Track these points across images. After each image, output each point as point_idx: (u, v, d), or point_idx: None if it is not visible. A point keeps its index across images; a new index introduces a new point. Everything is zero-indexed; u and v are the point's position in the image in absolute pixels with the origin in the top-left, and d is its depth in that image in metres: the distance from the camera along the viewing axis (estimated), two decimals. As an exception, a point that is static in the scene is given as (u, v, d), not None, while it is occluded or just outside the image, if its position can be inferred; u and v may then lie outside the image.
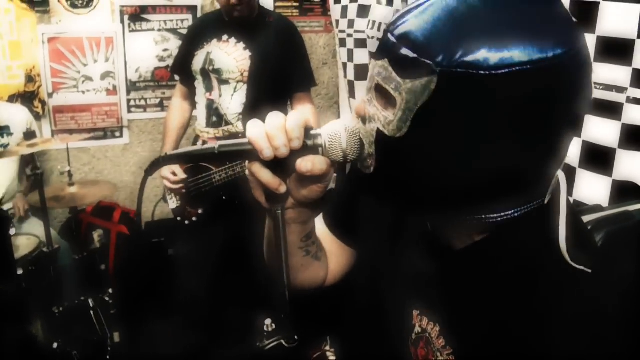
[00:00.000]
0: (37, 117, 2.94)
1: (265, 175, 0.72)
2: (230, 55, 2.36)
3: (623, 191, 1.33)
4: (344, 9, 2.98)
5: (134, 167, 3.37)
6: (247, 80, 2.35)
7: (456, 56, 0.60)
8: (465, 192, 0.68)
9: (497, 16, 0.61)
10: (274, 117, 0.71)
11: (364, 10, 2.90)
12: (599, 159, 1.36)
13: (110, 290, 2.54)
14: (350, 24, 2.95)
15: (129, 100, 3.23)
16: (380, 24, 2.83)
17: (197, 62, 2.42)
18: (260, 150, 0.70)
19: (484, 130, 0.62)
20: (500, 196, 0.69)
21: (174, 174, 2.44)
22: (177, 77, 2.63)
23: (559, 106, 0.63)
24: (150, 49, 3.18)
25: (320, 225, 0.98)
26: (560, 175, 0.71)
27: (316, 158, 0.72)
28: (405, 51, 0.63)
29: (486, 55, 0.59)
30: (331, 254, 1.01)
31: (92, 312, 2.44)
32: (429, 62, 0.61)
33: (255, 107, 2.36)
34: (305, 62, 2.50)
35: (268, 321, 0.78)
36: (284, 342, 0.76)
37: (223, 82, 2.38)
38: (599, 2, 1.32)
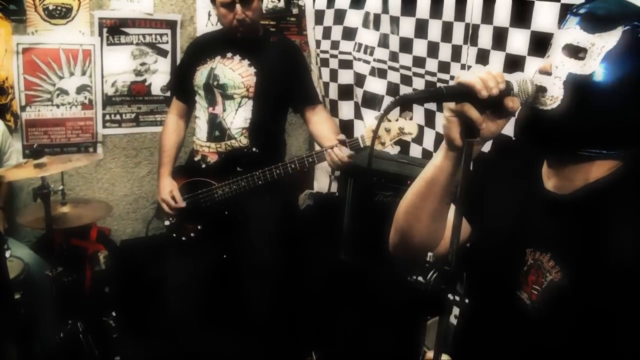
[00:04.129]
0: (9, 130, 2.97)
1: (475, 113, 0.98)
2: (236, 71, 2.56)
3: None
4: (327, 30, 3.29)
5: (106, 183, 3.46)
6: (253, 96, 2.53)
7: (631, 19, 0.98)
8: (629, 126, 0.99)
9: None
10: (481, 67, 0.98)
11: (349, 33, 3.23)
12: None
13: (114, 314, 2.64)
14: (335, 45, 3.28)
15: (104, 115, 3.32)
16: (366, 47, 3.13)
17: (200, 78, 2.60)
18: (479, 91, 0.95)
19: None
20: (623, 136, 1.01)
21: (174, 199, 2.59)
22: (169, 93, 2.83)
23: None
24: (127, 62, 3.31)
25: None
26: None
27: (514, 98, 1.00)
28: (593, 18, 1.00)
29: None
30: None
31: (88, 336, 2.50)
32: (614, 22, 0.98)
33: (260, 122, 2.57)
34: (311, 80, 2.75)
35: (430, 254, 0.97)
36: (446, 268, 0.93)
37: (227, 97, 2.56)
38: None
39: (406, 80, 2.99)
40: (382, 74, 3.10)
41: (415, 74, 2.90)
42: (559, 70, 1.03)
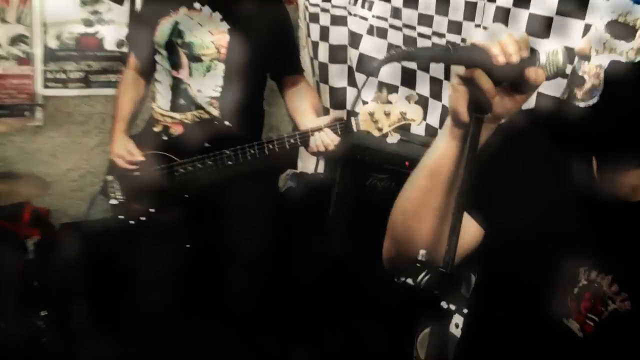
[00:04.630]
0: None
1: (487, 82, 0.88)
2: (205, 27, 2.33)
3: None
4: None
5: (46, 155, 3.22)
6: (226, 59, 2.34)
7: None
8: None
9: None
10: (503, 28, 0.88)
11: None
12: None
13: (44, 313, 2.42)
14: None
15: (45, 73, 3.10)
16: (364, 0, 2.91)
17: (161, 33, 2.37)
18: (496, 56, 0.86)
19: None
20: None
21: (130, 152, 2.38)
22: (126, 49, 2.64)
23: None
24: (74, 9, 3.05)
25: None
26: None
27: (538, 69, 0.89)
28: None
29: None
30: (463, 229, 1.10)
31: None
32: None
33: (234, 90, 2.37)
34: (295, 42, 2.57)
35: (422, 251, 0.90)
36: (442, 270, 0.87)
37: (194, 58, 2.35)
38: None
39: (410, 42, 2.80)
40: (381, 33, 2.90)
41: (420, 35, 2.72)
42: (599, 56, 0.91)
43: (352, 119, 2.19)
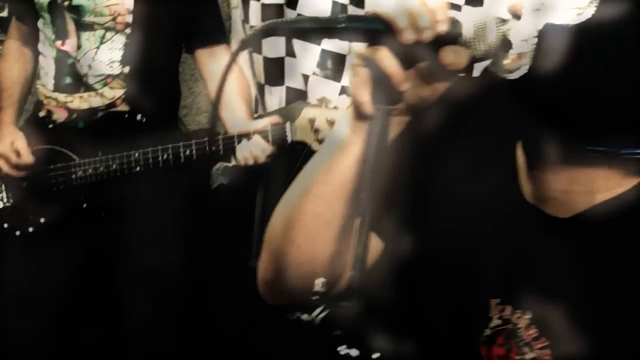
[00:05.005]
0: None
1: (393, 65, 0.78)
2: None
3: None
4: None
5: None
6: (124, 28, 2.17)
7: None
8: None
9: None
10: None
11: None
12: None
13: None
14: None
15: None
16: None
17: None
18: (401, 30, 0.77)
19: None
20: None
21: (18, 153, 2.21)
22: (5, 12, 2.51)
23: None
24: None
25: None
26: None
27: (460, 49, 0.79)
28: None
29: None
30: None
31: None
32: None
33: (137, 67, 2.20)
34: (213, 4, 2.36)
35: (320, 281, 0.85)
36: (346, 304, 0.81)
37: (84, 26, 2.17)
38: None
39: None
40: None
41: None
42: (533, 15, 0.80)
43: (288, 125, 2.04)
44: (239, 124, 2.11)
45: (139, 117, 2.23)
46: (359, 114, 0.88)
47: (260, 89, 2.89)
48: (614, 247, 0.84)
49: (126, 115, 2.22)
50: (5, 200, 2.33)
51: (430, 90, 0.87)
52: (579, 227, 0.87)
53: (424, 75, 0.85)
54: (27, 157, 2.23)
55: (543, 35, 0.78)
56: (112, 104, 2.21)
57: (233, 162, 3.15)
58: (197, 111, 3.09)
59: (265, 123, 2.06)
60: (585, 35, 0.76)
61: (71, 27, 2.20)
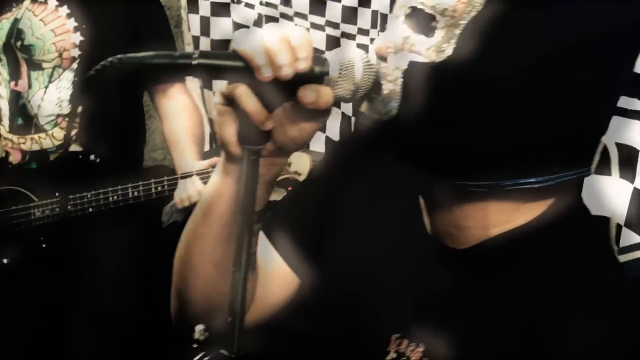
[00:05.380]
0: None
1: (253, 103, 0.73)
2: (48, 25, 2.11)
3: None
4: None
5: None
6: (70, 66, 2.13)
7: None
8: (514, 140, 0.74)
9: None
10: (276, 30, 0.72)
11: None
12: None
13: None
14: None
15: None
16: None
17: (1, 33, 2.15)
18: (258, 68, 0.71)
19: (546, 55, 0.69)
20: (548, 152, 0.75)
21: None
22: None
23: (631, 44, 0.75)
24: None
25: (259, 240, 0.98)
26: (607, 140, 0.79)
27: (322, 88, 0.74)
28: None
29: None
30: (270, 279, 0.99)
31: None
32: None
33: (87, 105, 2.14)
34: (169, 40, 2.30)
35: (199, 328, 0.76)
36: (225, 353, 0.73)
37: (34, 66, 2.13)
38: None
39: None
40: (272, 23, 2.68)
41: (313, 25, 2.59)
42: (398, 56, 0.78)
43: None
44: (186, 165, 2.09)
45: (92, 157, 2.18)
46: (228, 155, 0.83)
47: (213, 125, 2.92)
48: (506, 279, 0.81)
49: (80, 156, 2.17)
50: None
51: (298, 131, 0.81)
52: (473, 258, 0.84)
53: (290, 115, 0.79)
54: None
55: (407, 75, 0.76)
56: (64, 145, 2.16)
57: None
58: (153, 147, 3.01)
59: (205, 164, 2.04)
60: (444, 74, 0.74)
61: (23, 67, 2.16)
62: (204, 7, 2.89)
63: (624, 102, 1.40)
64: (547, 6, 0.70)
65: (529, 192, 0.78)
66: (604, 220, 0.87)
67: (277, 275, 1.01)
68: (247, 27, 2.79)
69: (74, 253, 2.22)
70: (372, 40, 2.37)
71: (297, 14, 2.61)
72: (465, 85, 0.73)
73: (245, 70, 0.73)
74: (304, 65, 0.73)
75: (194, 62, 0.73)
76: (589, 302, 0.74)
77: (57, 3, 2.13)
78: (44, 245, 2.18)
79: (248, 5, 2.77)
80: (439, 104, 0.75)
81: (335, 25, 2.49)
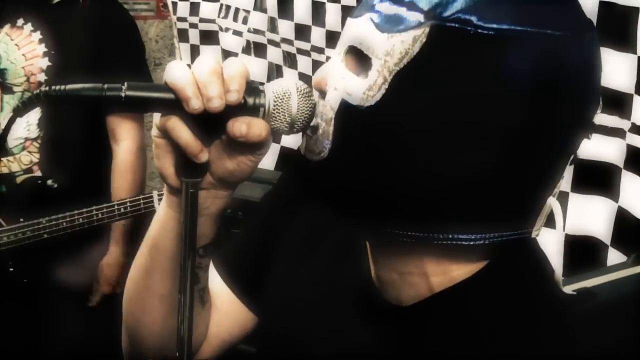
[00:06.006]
0: None
1: (185, 135, 0.72)
2: (21, 49, 2.13)
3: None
4: None
5: None
6: (38, 87, 2.08)
7: (451, 8, 0.67)
8: (439, 193, 0.72)
9: None
10: (207, 61, 0.72)
11: None
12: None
13: None
14: (194, 10, 2.89)
15: None
16: (237, 10, 2.78)
17: None
18: (186, 100, 0.70)
19: (474, 104, 0.68)
20: (478, 210, 0.72)
21: None
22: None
23: (564, 94, 0.70)
24: None
25: (212, 275, 0.99)
26: (554, 203, 0.76)
27: (254, 120, 0.73)
28: (390, 2, 0.71)
29: (485, 9, 0.67)
30: (222, 314, 1.00)
31: None
32: (418, 13, 0.68)
33: (54, 132, 2.16)
34: (139, 66, 2.32)
35: None
36: None
37: (7, 89, 2.16)
38: None
39: (290, 61, 2.67)
40: (260, 50, 2.75)
41: (299, 51, 2.58)
42: (333, 93, 0.75)
43: (154, 193, 2.08)
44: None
45: (49, 182, 2.19)
46: (169, 188, 0.84)
47: None
48: (444, 338, 0.80)
49: (39, 181, 2.19)
50: None
51: (237, 164, 0.80)
52: (414, 316, 0.83)
53: (226, 147, 0.79)
54: None
55: (337, 116, 0.75)
56: (29, 169, 2.19)
57: None
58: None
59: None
60: (371, 119, 0.73)
61: None
62: (193, 36, 2.95)
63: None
64: (478, 58, 0.68)
65: (462, 248, 0.76)
66: (544, 278, 0.83)
67: (231, 311, 1.01)
68: (236, 54, 2.83)
69: (36, 278, 2.19)
70: None
71: (284, 40, 2.62)
72: (391, 133, 0.72)
73: (176, 102, 0.72)
74: (234, 97, 0.72)
75: (123, 94, 0.71)
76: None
77: (32, 28, 2.16)
78: (11, 269, 2.16)
79: (236, 32, 2.80)
80: (365, 149, 0.74)
81: (320, 50, 2.48)
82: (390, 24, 0.71)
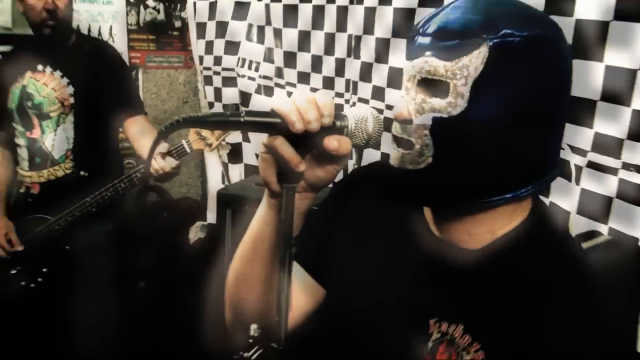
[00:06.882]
0: None
1: (289, 151, 0.84)
2: (49, 86, 2.53)
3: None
4: (209, 45, 3.28)
5: None
6: (71, 111, 2.55)
7: (498, 28, 0.83)
8: (514, 164, 0.87)
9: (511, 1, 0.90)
10: (304, 93, 0.84)
11: (232, 47, 3.23)
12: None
13: None
14: (217, 60, 3.28)
15: None
16: (251, 62, 3.17)
17: (12, 99, 2.57)
18: (292, 123, 0.82)
19: (527, 92, 0.84)
20: (534, 168, 0.90)
21: (11, 242, 2.53)
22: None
23: (569, 75, 0.90)
24: None
25: None
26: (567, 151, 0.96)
27: (342, 138, 0.86)
28: (448, 37, 0.85)
29: (518, 23, 0.83)
30: (300, 289, 1.09)
31: None
32: (475, 37, 0.83)
33: (85, 140, 2.58)
34: (134, 86, 2.72)
35: (253, 326, 0.87)
36: (274, 345, 0.85)
37: (43, 117, 2.55)
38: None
39: None
40: (268, 91, 3.08)
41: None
42: (420, 117, 0.89)
43: (184, 142, 2.36)
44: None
45: (82, 173, 2.57)
46: (271, 192, 0.95)
47: (225, 166, 3.39)
48: (513, 267, 0.92)
49: (74, 175, 2.57)
50: (15, 268, 2.58)
51: (324, 172, 0.91)
52: (488, 254, 0.94)
53: (317, 159, 0.90)
54: (17, 245, 2.55)
55: (435, 129, 0.87)
56: (71, 172, 2.58)
57: (209, 220, 3.39)
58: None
59: (165, 146, 2.36)
60: (466, 124, 0.86)
61: (35, 120, 2.58)
62: (217, 80, 3.31)
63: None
64: (527, 58, 0.85)
65: (517, 200, 0.92)
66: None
67: (307, 285, 1.10)
68: (250, 94, 3.19)
69: (95, 251, 2.56)
70: (346, 101, 2.68)
71: (288, 84, 2.96)
72: (478, 129, 0.85)
73: (281, 124, 0.83)
74: (327, 120, 0.85)
75: (242, 119, 0.83)
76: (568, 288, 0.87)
77: (51, 69, 2.56)
78: (67, 247, 2.55)
79: (250, 78, 3.16)
80: (461, 146, 0.87)
81: (317, 91, 2.72)
82: (455, 52, 0.85)
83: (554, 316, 0.85)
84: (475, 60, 0.84)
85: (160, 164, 2.31)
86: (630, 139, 1.51)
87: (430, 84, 0.88)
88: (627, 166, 1.52)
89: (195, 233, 3.55)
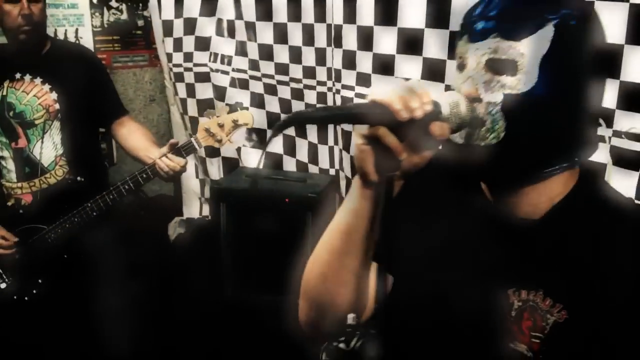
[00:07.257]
0: None
1: (393, 140, 0.84)
2: (30, 93, 2.43)
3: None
4: (178, 42, 3.25)
5: None
6: (56, 117, 2.45)
7: (558, 7, 0.88)
8: (572, 134, 0.93)
9: None
10: (402, 83, 0.85)
11: (202, 42, 3.20)
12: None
13: None
14: (188, 57, 3.25)
15: None
16: (223, 56, 3.16)
17: None
18: (397, 111, 0.82)
19: (585, 66, 0.91)
20: (584, 137, 0.95)
21: (4, 238, 2.43)
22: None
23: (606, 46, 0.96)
24: None
25: None
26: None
27: (443, 124, 0.86)
28: (513, 18, 0.90)
29: (572, 2, 0.90)
30: (372, 281, 1.09)
31: None
32: (539, 18, 0.88)
33: (76, 144, 2.49)
34: (112, 89, 2.65)
35: (351, 315, 0.89)
36: (373, 331, 0.85)
37: (28, 125, 2.44)
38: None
39: (271, 90, 3.02)
40: (243, 84, 3.10)
41: (279, 82, 2.94)
42: (490, 94, 0.92)
43: (193, 138, 2.33)
44: (154, 153, 2.38)
45: (78, 178, 2.51)
46: (366, 182, 0.94)
47: (202, 161, 3.36)
48: (574, 231, 0.96)
49: (70, 181, 2.50)
50: (7, 280, 2.50)
51: (420, 158, 0.91)
52: (550, 221, 0.97)
53: (415, 145, 0.89)
54: (12, 238, 2.45)
55: (506, 105, 0.91)
56: (63, 178, 2.50)
57: (186, 214, 3.37)
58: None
59: (169, 144, 2.33)
60: (532, 100, 0.90)
61: (19, 130, 2.47)
62: (188, 77, 3.29)
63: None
64: (585, 36, 0.91)
65: (571, 167, 0.97)
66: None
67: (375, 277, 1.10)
68: (225, 87, 3.18)
69: (88, 256, 2.48)
70: (329, 89, 2.74)
71: (265, 75, 2.98)
72: (546, 103, 0.90)
73: (386, 114, 0.83)
74: (428, 107, 0.85)
75: (349, 112, 0.86)
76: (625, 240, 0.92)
77: (30, 77, 2.45)
78: (65, 256, 2.49)
79: (223, 72, 3.17)
80: (531, 120, 0.91)
81: (298, 81, 2.82)
82: (519, 32, 0.89)
83: (624, 264, 0.90)
84: (541, 38, 0.89)
85: (169, 164, 2.29)
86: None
87: (499, 63, 0.91)
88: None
89: (174, 229, 3.51)
